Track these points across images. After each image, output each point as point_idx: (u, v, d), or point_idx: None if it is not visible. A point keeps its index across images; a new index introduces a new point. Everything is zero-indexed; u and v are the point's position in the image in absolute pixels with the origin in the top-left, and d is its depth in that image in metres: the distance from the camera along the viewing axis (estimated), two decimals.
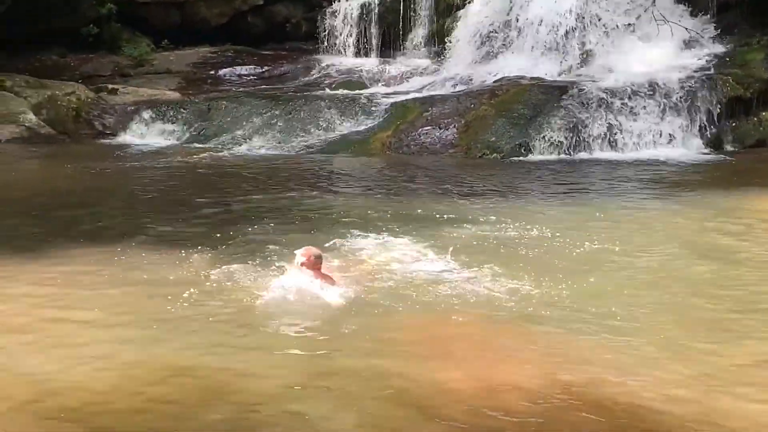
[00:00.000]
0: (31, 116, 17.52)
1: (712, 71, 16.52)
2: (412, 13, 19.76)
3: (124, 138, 17.27)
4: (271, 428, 5.04)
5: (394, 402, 5.37)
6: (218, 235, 9.46)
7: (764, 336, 6.65)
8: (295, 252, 7.30)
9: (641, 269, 8.46)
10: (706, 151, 15.48)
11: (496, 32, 18.41)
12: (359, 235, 9.54)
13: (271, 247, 8.79)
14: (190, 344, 6.31)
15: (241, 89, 19.13)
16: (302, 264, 7.18)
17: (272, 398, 5.41)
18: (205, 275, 7.86)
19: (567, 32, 17.91)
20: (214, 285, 7.58)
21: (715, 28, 17.84)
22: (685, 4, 18.08)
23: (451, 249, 8.88)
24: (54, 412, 5.26)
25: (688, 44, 17.48)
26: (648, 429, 5.08)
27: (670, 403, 5.33)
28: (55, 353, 6.22)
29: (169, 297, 7.24)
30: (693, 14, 18.07)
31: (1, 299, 7.40)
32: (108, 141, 17.23)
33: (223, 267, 8.04)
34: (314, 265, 7.21)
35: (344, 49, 20.14)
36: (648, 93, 16.01)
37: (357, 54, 20.03)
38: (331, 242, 9.05)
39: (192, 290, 7.33)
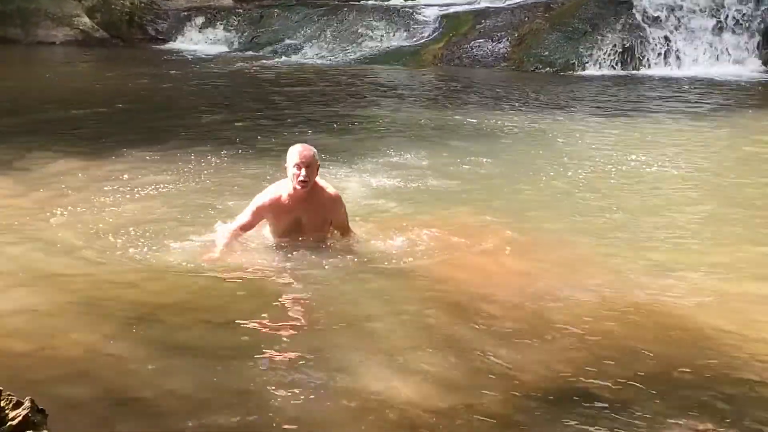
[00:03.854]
0: (85, 19, 17.73)
1: None
2: None
3: (177, 44, 17.49)
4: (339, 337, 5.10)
5: (438, 308, 5.43)
6: (258, 137, 9.74)
7: None
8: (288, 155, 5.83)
9: (680, 186, 8.42)
10: (763, 69, 15.22)
11: None
12: (398, 148, 9.56)
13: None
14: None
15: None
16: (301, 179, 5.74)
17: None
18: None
19: None
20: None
21: None
22: None
23: (489, 160, 9.01)
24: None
25: None
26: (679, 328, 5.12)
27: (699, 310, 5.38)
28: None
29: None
30: None
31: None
32: (160, 46, 17.46)
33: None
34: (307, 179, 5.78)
35: None
36: (705, 10, 15.74)
37: None
38: (369, 155, 9.09)
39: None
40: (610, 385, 4.43)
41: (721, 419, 4.12)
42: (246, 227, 6.00)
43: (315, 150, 5.89)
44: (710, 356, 4.81)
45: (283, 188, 5.91)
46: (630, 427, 4.05)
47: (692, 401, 4.30)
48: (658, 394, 4.34)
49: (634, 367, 4.60)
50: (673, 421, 4.11)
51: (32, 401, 2.86)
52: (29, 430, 2.82)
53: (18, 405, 2.82)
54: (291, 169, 5.76)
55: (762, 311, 5.41)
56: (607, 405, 4.22)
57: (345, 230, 6.14)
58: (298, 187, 5.78)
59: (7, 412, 2.81)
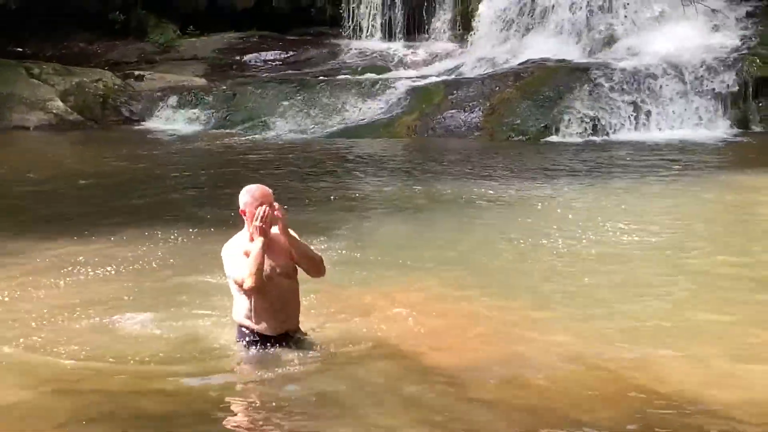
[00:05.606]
0: (59, 103, 17.70)
1: (739, 51, 16.39)
2: None
3: (151, 124, 17.42)
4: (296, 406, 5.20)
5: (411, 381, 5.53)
6: (232, 214, 9.49)
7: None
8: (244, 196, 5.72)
9: (657, 255, 8.49)
10: (732, 131, 15.40)
11: (520, 14, 18.34)
12: (373, 220, 9.83)
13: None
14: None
15: (266, 74, 19.07)
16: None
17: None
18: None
19: (592, 13, 17.83)
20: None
21: (741, 8, 17.68)
22: None
23: (466, 230, 9.29)
24: None
25: (716, 25, 17.23)
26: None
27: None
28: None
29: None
30: None
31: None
32: (135, 127, 17.38)
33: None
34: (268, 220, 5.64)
35: (369, 33, 20.04)
36: (674, 74, 15.93)
37: (382, 38, 19.94)
38: (344, 218, 9.37)
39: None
40: None
41: None
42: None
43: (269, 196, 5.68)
44: (667, 414, 4.99)
45: (243, 238, 5.77)
46: None
47: None
48: None
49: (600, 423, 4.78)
50: None
51: None
52: None
53: None
54: (255, 209, 5.55)
55: (726, 375, 5.59)
56: None
57: (305, 254, 5.90)
58: (263, 225, 5.54)
59: None
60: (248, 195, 5.71)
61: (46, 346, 6.10)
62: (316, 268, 5.93)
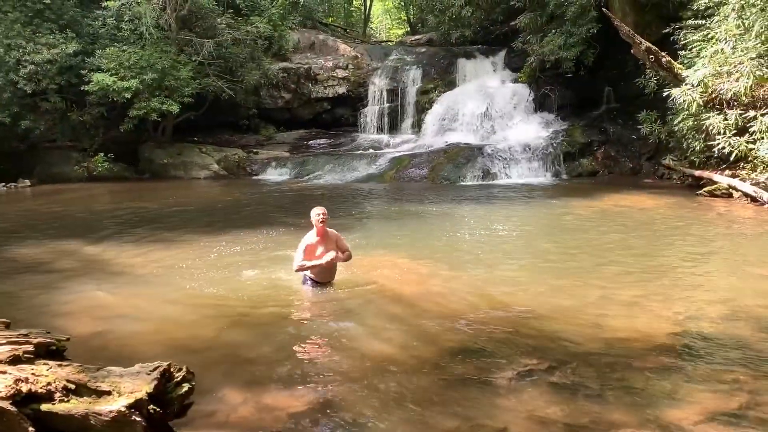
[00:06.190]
0: (215, 165, 17.61)
1: (556, 139, 16.30)
2: (404, 111, 19.53)
3: (262, 176, 17.16)
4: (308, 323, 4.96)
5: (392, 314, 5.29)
6: (302, 221, 9.29)
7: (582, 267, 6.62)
8: (311, 212, 5.64)
9: (518, 240, 8.36)
10: (553, 179, 15.26)
11: (446, 120, 18.15)
12: (373, 223, 9.51)
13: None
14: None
15: (319, 151, 18.89)
16: (321, 221, 5.55)
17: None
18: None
19: (482, 119, 17.67)
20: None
21: (557, 117, 17.60)
22: (540, 106, 17.77)
23: (420, 227, 9.00)
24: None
25: (544, 126, 17.18)
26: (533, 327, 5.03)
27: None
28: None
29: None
30: (546, 110, 17.75)
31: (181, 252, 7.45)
32: (253, 177, 17.17)
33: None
34: (324, 221, 5.59)
35: (370, 130, 19.85)
36: (524, 150, 15.78)
37: (377, 132, 19.75)
38: (356, 222, 9.13)
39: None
40: (479, 344, 4.39)
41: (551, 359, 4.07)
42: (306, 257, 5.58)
43: (324, 211, 5.59)
44: (523, 323, 4.78)
45: (311, 234, 5.61)
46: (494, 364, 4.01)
47: (523, 348, 4.26)
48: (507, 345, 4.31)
49: (499, 330, 4.56)
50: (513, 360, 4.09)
51: (186, 367, 2.80)
52: (186, 382, 2.76)
53: (179, 369, 2.77)
54: (315, 218, 5.51)
55: (558, 301, 5.40)
56: (479, 354, 4.18)
57: (345, 249, 5.79)
58: (320, 225, 5.45)
59: (173, 372, 2.76)
60: (312, 212, 5.60)
61: (201, 287, 5.93)
62: (346, 259, 5.80)
